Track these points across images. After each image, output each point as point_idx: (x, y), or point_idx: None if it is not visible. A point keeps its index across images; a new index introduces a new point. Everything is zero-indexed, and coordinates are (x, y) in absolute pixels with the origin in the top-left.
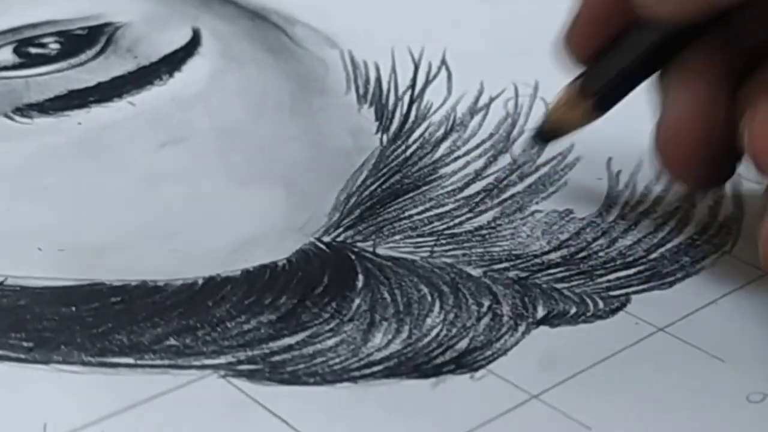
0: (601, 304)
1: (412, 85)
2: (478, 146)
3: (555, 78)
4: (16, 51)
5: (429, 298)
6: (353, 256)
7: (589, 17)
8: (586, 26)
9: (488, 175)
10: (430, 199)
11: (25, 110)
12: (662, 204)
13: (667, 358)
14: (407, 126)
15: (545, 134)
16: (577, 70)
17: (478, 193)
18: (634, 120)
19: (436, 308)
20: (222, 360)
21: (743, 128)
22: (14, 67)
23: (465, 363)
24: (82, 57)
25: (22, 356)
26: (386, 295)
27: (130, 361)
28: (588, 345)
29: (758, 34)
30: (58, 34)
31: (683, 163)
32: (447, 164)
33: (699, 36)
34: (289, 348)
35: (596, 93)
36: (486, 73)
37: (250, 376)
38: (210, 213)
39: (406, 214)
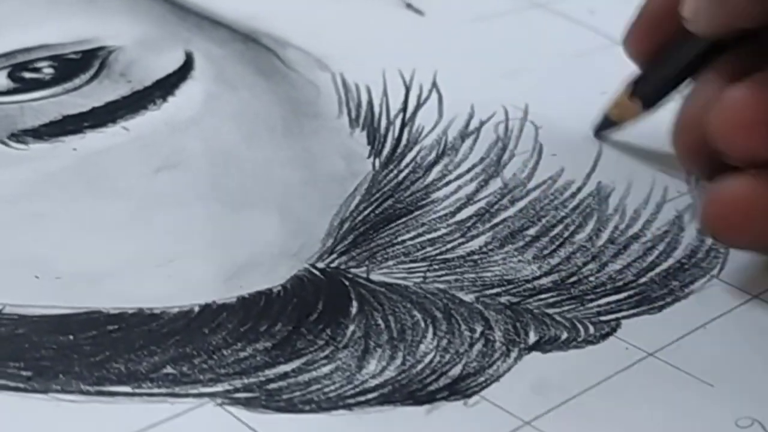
0: (591, 329)
1: (404, 108)
2: (469, 170)
3: (545, 101)
4: (10, 76)
5: (422, 324)
6: (347, 282)
7: (645, 23)
8: (642, 31)
9: (480, 200)
10: (423, 225)
11: (20, 136)
12: (651, 228)
13: (657, 383)
14: (399, 150)
15: (603, 126)
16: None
17: (470, 217)
18: (625, 144)
19: (430, 334)
20: (219, 388)
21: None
22: (8, 92)
23: (458, 389)
24: (76, 81)
25: (21, 385)
26: (380, 321)
27: (128, 389)
28: (579, 370)
29: None
30: (52, 58)
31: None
32: (439, 189)
33: (732, 47)
34: (285, 375)
35: (644, 95)
36: (477, 96)
37: (247, 404)
38: (205, 239)
39: (399, 239)
